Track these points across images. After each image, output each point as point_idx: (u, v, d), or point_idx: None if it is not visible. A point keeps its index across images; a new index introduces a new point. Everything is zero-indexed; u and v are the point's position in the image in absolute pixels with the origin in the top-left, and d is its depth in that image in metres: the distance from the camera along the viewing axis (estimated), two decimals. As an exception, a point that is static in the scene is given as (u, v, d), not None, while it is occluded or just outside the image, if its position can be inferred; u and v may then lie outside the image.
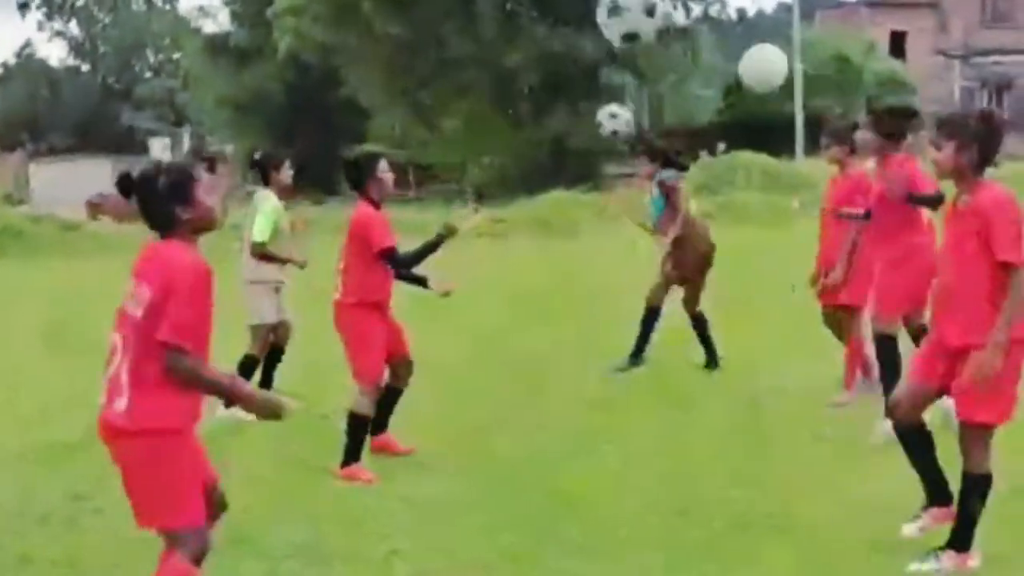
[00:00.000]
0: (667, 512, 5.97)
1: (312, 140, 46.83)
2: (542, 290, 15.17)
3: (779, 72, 7.88)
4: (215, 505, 4.41)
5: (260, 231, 8.43)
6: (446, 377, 9.19)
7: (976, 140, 5.02)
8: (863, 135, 7.44)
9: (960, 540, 5.15)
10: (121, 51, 74.93)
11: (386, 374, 7.12)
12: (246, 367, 8.47)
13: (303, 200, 27.85)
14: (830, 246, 8.16)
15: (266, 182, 8.71)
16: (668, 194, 9.44)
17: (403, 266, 6.99)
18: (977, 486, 5.11)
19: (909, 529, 5.50)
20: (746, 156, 30.30)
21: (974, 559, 5.15)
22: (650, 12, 8.16)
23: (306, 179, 41.12)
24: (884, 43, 51.99)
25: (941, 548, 5.17)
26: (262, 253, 8.47)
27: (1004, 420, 5.05)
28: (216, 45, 52.50)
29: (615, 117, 12.19)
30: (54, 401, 8.97)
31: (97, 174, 48.51)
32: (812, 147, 37.77)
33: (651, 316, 9.63)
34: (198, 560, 4.23)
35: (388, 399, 7.25)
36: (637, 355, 9.64)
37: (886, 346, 7.24)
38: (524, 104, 37.25)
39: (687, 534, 5.66)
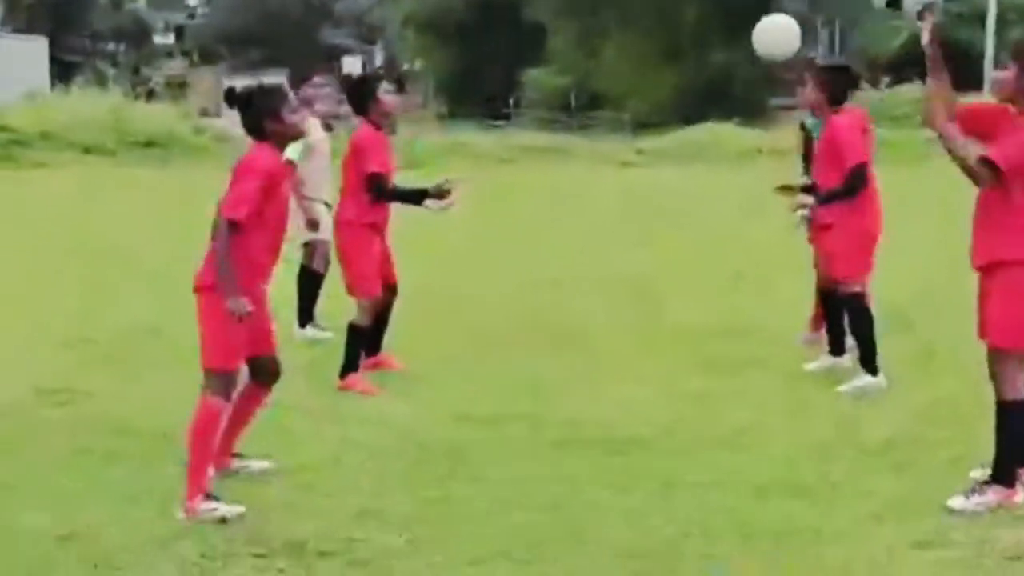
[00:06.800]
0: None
1: (495, 61, 47.02)
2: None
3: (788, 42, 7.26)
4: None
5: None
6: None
7: None
8: None
9: (1003, 473, 4.98)
10: (324, -33, 76.14)
11: None
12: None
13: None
14: None
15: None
16: None
17: (385, 196, 7.00)
18: (1007, 414, 4.97)
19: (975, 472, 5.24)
20: (908, 90, 29.13)
21: (1020, 494, 4.98)
22: None
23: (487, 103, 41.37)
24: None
25: (986, 482, 5.01)
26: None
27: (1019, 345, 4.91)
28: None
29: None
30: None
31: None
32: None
33: None
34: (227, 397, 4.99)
35: (377, 322, 7.40)
36: None
37: None
38: (687, 33, 36.50)
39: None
